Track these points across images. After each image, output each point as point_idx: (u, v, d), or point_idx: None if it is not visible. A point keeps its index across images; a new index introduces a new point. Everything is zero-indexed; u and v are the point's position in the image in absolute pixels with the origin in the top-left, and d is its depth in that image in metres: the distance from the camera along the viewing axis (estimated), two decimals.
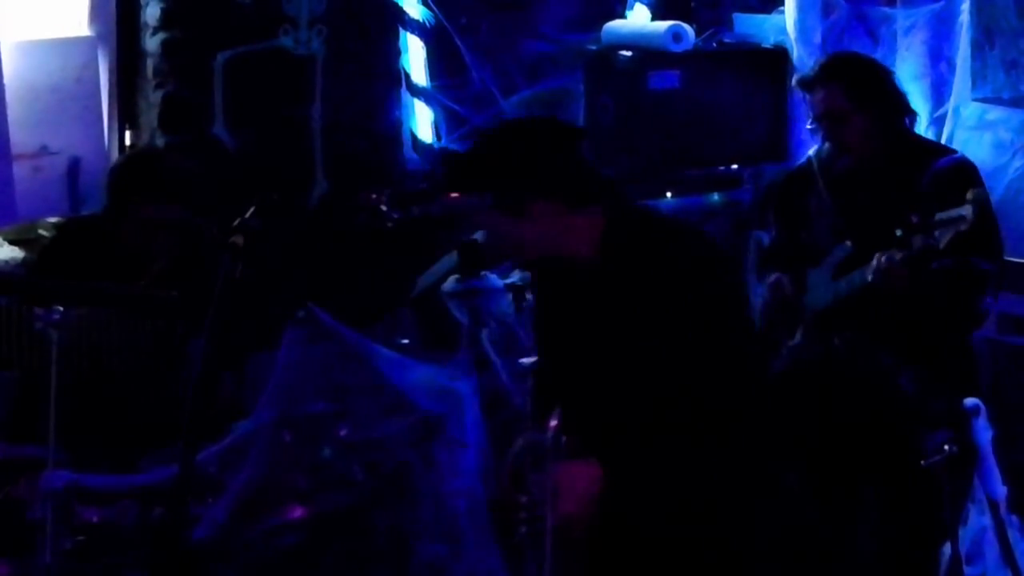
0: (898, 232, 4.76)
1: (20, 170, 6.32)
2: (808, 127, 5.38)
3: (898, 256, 4.83)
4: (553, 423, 3.49)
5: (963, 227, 4.71)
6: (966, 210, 4.70)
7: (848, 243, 5.18)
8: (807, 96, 5.30)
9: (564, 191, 3.60)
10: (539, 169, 3.59)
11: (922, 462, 4.26)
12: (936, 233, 4.70)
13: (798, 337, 5.34)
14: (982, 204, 4.82)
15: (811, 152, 5.53)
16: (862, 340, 5.19)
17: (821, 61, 5.34)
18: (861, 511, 5.47)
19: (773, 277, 5.38)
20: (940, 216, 4.72)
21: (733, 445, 3.66)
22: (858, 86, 5.19)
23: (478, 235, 3.67)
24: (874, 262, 4.95)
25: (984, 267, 5.02)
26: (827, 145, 5.31)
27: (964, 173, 5.13)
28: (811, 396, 5.29)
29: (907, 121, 5.29)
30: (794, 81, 5.41)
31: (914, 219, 4.72)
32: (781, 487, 5.49)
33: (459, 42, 7.19)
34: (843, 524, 5.42)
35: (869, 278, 4.97)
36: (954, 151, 5.50)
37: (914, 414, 5.13)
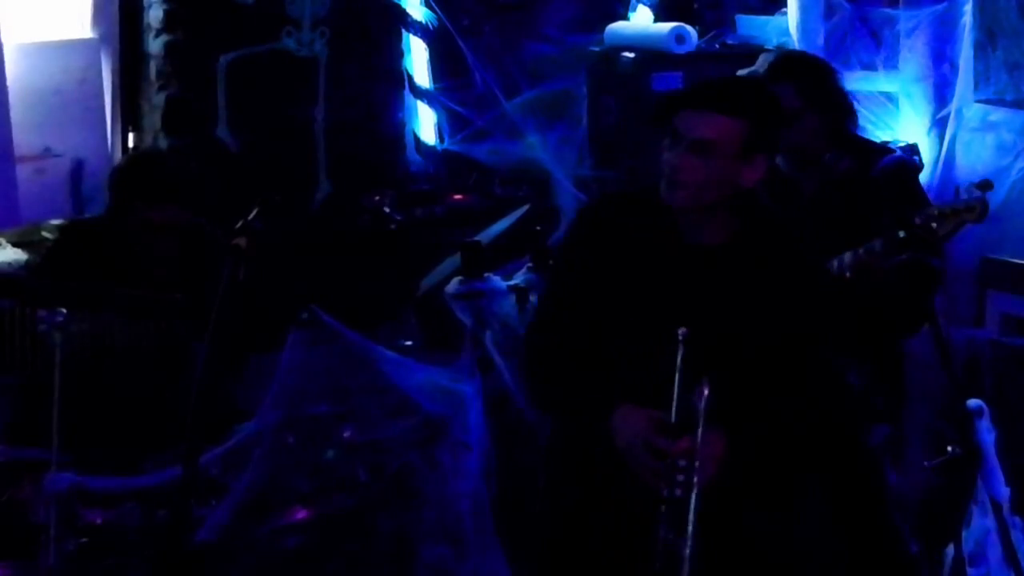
0: (901, 233, 4.75)
1: (24, 172, 6.32)
2: None
3: (879, 249, 4.82)
4: (706, 391, 3.52)
5: (970, 218, 4.71)
6: (976, 200, 4.70)
7: None
8: None
9: (773, 157, 3.79)
10: (779, 130, 3.75)
11: (925, 463, 4.26)
12: (935, 224, 4.69)
13: None
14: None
15: None
16: None
17: (769, 59, 5.28)
18: (809, 506, 5.46)
19: None
20: (946, 208, 4.71)
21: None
22: (808, 86, 5.17)
23: (668, 160, 3.66)
24: (848, 257, 4.93)
25: (935, 264, 5.01)
26: None
27: (904, 172, 5.13)
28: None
29: (851, 122, 5.28)
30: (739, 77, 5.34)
31: (917, 220, 4.71)
32: None
33: (462, 44, 7.19)
34: (791, 520, 5.41)
35: (847, 273, 4.96)
36: (894, 150, 5.48)
37: (860, 410, 5.15)
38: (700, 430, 3.52)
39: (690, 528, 3.51)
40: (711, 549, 3.58)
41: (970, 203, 4.69)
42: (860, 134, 5.49)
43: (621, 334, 3.70)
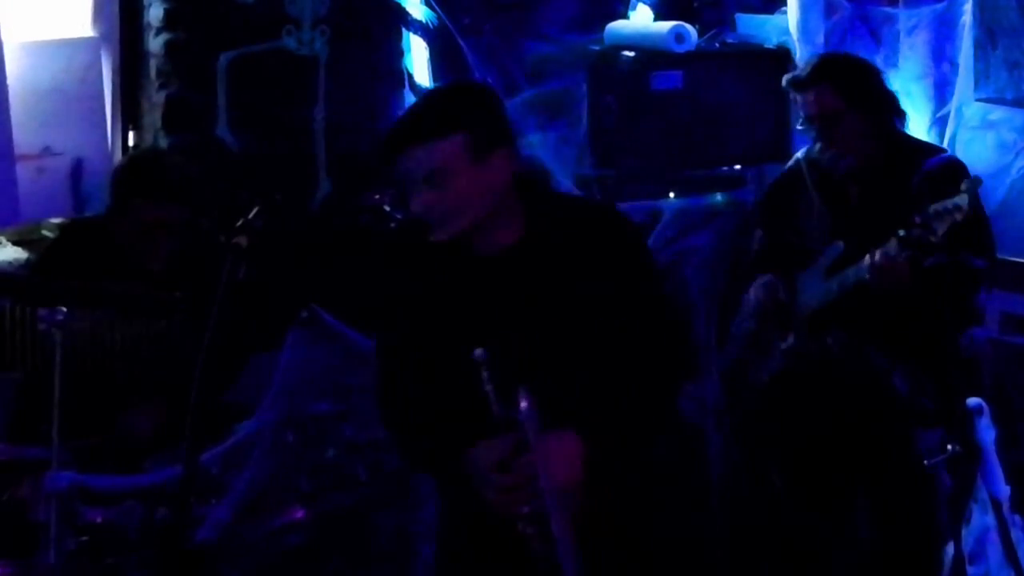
0: (901, 232, 4.76)
1: (23, 171, 6.32)
2: (799, 127, 5.36)
3: (893, 252, 4.83)
4: (524, 403, 3.45)
5: (959, 217, 4.71)
6: (961, 200, 4.70)
7: (839, 243, 5.18)
8: (798, 97, 5.29)
9: (512, 142, 3.61)
10: (501, 114, 3.61)
11: (925, 462, 4.26)
12: (932, 226, 4.69)
13: (791, 339, 5.34)
14: (975, 197, 4.84)
15: (799, 154, 5.51)
16: (854, 340, 5.19)
17: (812, 61, 5.32)
18: (854, 513, 5.47)
19: (765, 278, 5.36)
20: (935, 208, 4.72)
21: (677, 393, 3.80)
22: (850, 86, 5.19)
23: (416, 206, 3.51)
24: (867, 259, 4.94)
25: (977, 264, 5.02)
26: (816, 146, 5.29)
27: (954, 171, 5.13)
28: (806, 398, 5.29)
29: (897, 121, 5.29)
30: (784, 81, 5.37)
31: (917, 219, 4.72)
32: (769, 489, 5.50)
33: (462, 43, 7.18)
34: (836, 526, 5.41)
35: (865, 276, 4.97)
36: (944, 150, 5.51)
37: (907, 414, 5.15)
38: (531, 441, 3.45)
39: (556, 535, 3.46)
40: (601, 551, 3.56)
41: (957, 203, 4.70)
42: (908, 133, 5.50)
43: (448, 370, 3.62)
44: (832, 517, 5.41)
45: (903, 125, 5.38)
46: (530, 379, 3.47)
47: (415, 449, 3.78)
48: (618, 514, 3.68)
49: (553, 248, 3.59)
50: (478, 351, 3.45)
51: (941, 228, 4.69)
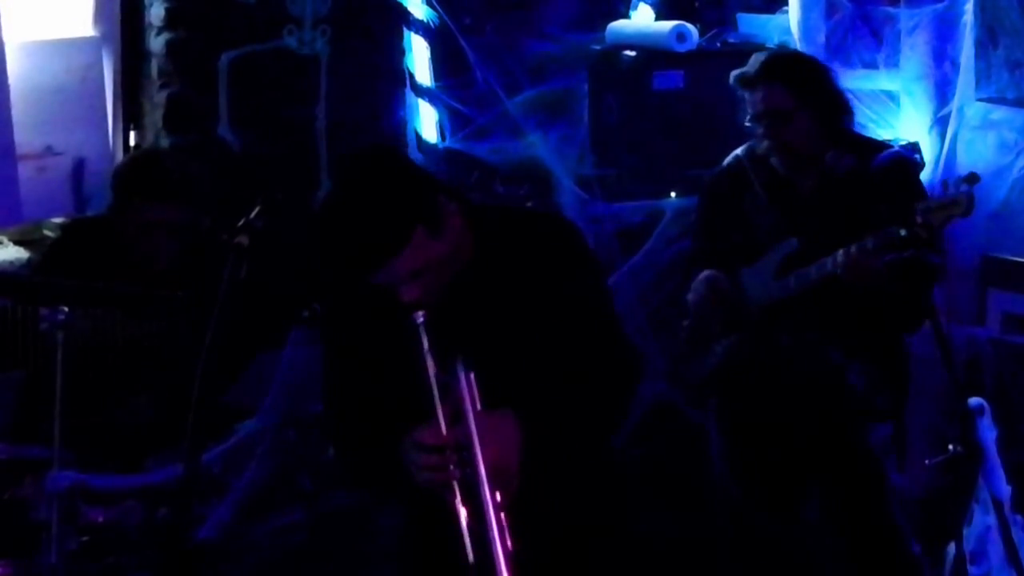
0: (902, 232, 4.75)
1: (25, 171, 6.32)
2: (746, 124, 5.32)
3: (871, 248, 4.82)
4: (460, 370, 3.46)
5: (957, 212, 4.70)
6: (961, 195, 4.70)
7: (792, 240, 5.17)
8: (745, 94, 5.26)
9: (449, 192, 3.59)
10: (425, 175, 3.58)
11: (926, 461, 4.27)
12: (920, 220, 4.68)
13: (734, 336, 5.31)
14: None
15: (739, 152, 5.47)
16: (810, 336, 5.18)
17: (761, 59, 5.28)
18: (807, 507, 5.47)
19: (706, 273, 5.32)
20: (932, 203, 4.71)
21: (626, 398, 3.80)
22: (801, 85, 5.16)
23: (407, 297, 3.54)
24: (840, 256, 4.93)
25: (934, 260, 5.01)
26: (763, 144, 5.26)
27: (903, 166, 5.12)
28: (754, 394, 5.27)
29: (846, 119, 5.28)
30: (732, 78, 5.32)
31: (918, 218, 4.71)
32: (724, 492, 5.50)
33: (463, 42, 7.18)
34: (789, 522, 5.41)
35: (834, 271, 4.96)
36: (891, 146, 5.48)
37: (862, 410, 5.15)
38: (467, 411, 3.46)
39: (489, 513, 3.43)
40: (534, 536, 3.52)
41: (956, 197, 4.70)
42: (858, 131, 5.49)
43: (399, 391, 3.65)
44: (783, 513, 5.39)
45: (852, 123, 5.36)
46: (482, 381, 3.50)
47: (359, 457, 3.79)
48: (558, 510, 3.67)
49: (501, 261, 3.63)
50: (418, 314, 3.46)
51: (937, 223, 4.69)
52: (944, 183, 4.78)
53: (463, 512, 3.49)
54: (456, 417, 3.49)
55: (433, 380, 3.49)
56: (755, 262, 5.25)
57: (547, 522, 3.60)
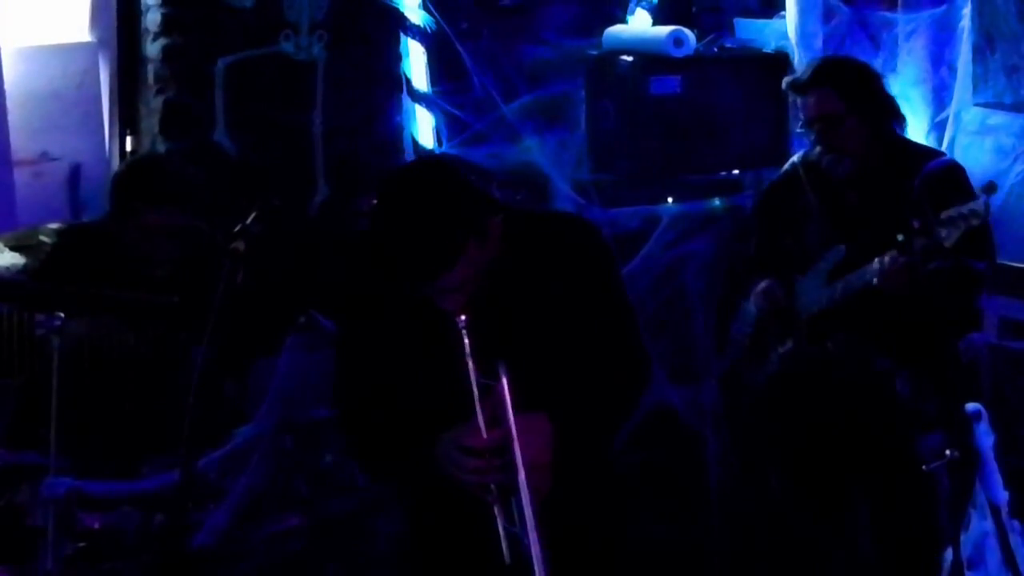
0: (899, 237, 4.75)
1: (21, 176, 6.31)
2: (798, 130, 5.36)
3: (902, 258, 4.83)
4: (503, 374, 3.47)
5: (975, 222, 4.71)
6: (979, 206, 4.70)
7: (842, 247, 5.18)
8: (798, 100, 5.29)
9: (490, 200, 3.64)
10: (476, 190, 3.60)
11: (924, 467, 4.26)
12: (944, 232, 4.69)
13: (789, 343, 5.33)
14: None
15: (795, 158, 5.51)
16: (857, 344, 5.19)
17: (813, 65, 5.32)
18: (854, 516, 5.47)
19: (763, 284, 5.36)
20: (949, 213, 4.71)
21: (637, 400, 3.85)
22: (851, 90, 5.19)
23: (449, 305, 3.54)
24: (876, 264, 4.94)
25: (978, 267, 5.02)
26: (815, 150, 5.29)
27: (954, 175, 5.14)
28: (804, 401, 5.28)
29: (897, 125, 5.29)
30: (784, 84, 5.37)
31: (915, 224, 4.71)
32: (769, 493, 5.50)
33: (460, 47, 7.18)
34: (835, 529, 5.41)
35: (873, 280, 4.97)
36: (943, 154, 5.50)
37: (909, 418, 5.14)
38: (508, 413, 3.48)
39: (528, 513, 3.45)
40: (559, 539, 3.55)
41: (974, 208, 4.70)
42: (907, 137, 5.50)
43: (421, 379, 3.67)
44: (830, 521, 5.41)
45: (902, 129, 5.38)
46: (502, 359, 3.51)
47: (382, 453, 3.78)
48: (574, 509, 3.68)
49: (525, 262, 3.65)
50: (460, 318, 3.47)
51: (955, 233, 4.69)
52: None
53: (500, 514, 3.51)
54: (494, 419, 3.51)
55: (474, 383, 3.50)
56: (807, 270, 5.28)
57: (556, 522, 3.61)
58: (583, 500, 3.74)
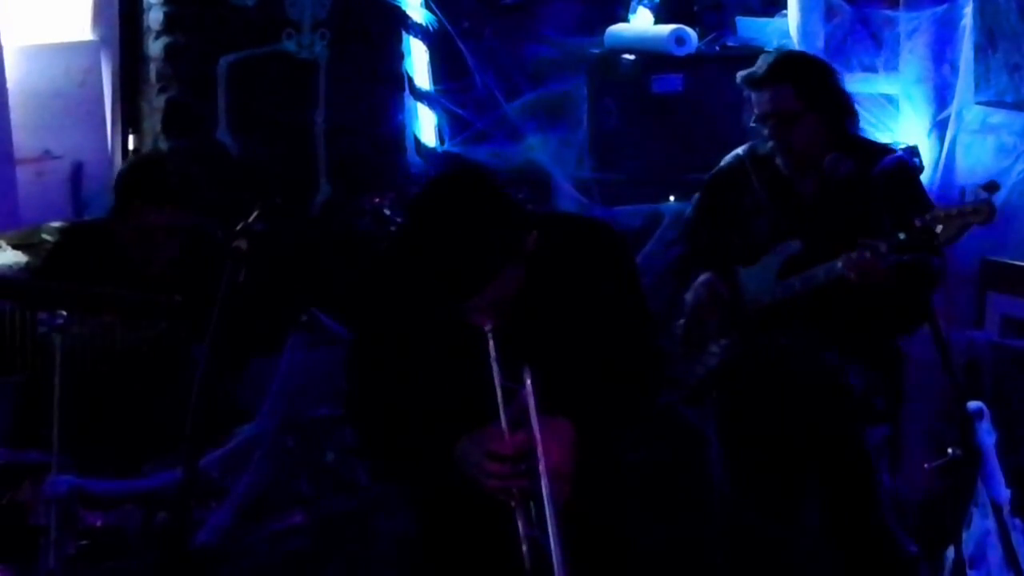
0: (901, 235, 4.75)
1: (23, 174, 6.32)
2: (752, 125, 5.32)
3: (884, 249, 4.82)
4: (528, 378, 3.48)
5: (978, 220, 4.71)
6: (982, 203, 4.70)
7: (796, 242, 5.17)
8: (752, 94, 5.26)
9: (525, 213, 3.62)
10: (515, 205, 3.57)
11: (925, 465, 4.26)
12: (939, 228, 4.69)
13: (734, 335, 5.30)
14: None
15: (739, 150, 5.47)
16: (808, 338, 5.18)
17: (769, 60, 5.27)
18: (803, 506, 5.46)
19: (704, 276, 5.32)
20: (953, 210, 4.72)
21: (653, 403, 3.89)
22: (808, 87, 5.17)
23: (483, 322, 3.54)
24: (854, 257, 4.92)
25: (935, 263, 5.02)
26: (768, 144, 5.25)
27: (906, 172, 5.13)
28: (752, 393, 5.26)
29: (851, 122, 5.28)
30: (739, 78, 5.32)
31: (917, 222, 4.71)
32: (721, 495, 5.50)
33: (462, 46, 7.19)
34: (786, 521, 5.40)
35: (844, 273, 4.95)
36: (895, 150, 5.48)
37: (859, 411, 5.15)
38: (532, 418, 3.48)
39: (549, 519, 3.45)
40: (578, 542, 3.54)
41: (976, 205, 4.70)
42: (861, 134, 5.49)
43: (438, 375, 3.67)
44: (778, 514, 5.38)
45: (856, 126, 5.36)
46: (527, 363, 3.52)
47: (397, 453, 3.77)
48: (589, 511, 3.69)
49: (549, 266, 3.63)
50: (488, 324, 3.47)
51: (951, 229, 4.68)
52: (962, 191, 4.77)
53: (521, 519, 3.52)
54: (517, 423, 3.51)
55: (499, 387, 3.51)
56: (754, 262, 5.25)
57: (572, 525, 3.61)
58: (598, 502, 3.75)
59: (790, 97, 5.16)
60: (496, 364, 3.49)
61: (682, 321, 5.42)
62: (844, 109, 5.25)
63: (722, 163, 5.52)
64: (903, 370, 5.33)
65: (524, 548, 3.50)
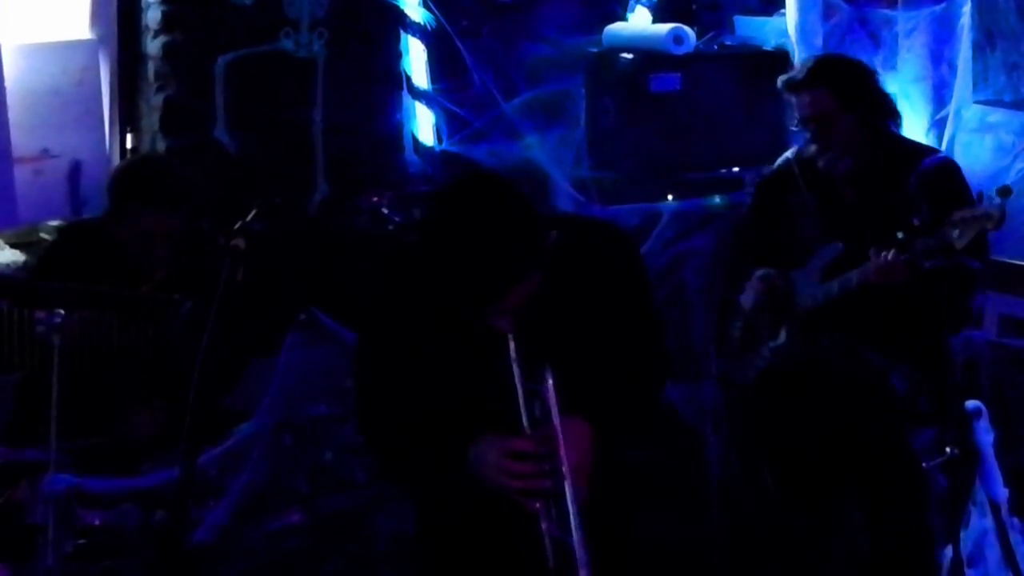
0: (899, 235, 4.76)
1: (21, 173, 6.32)
2: (793, 128, 5.36)
3: (902, 255, 4.83)
4: (549, 378, 3.49)
5: (989, 226, 4.71)
6: (993, 208, 4.70)
7: (838, 244, 5.19)
8: (792, 98, 5.29)
9: (543, 216, 3.61)
10: (535, 211, 3.56)
11: (924, 464, 4.26)
12: (956, 232, 4.68)
13: (782, 337, 5.32)
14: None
15: (788, 154, 5.51)
16: (852, 340, 5.19)
17: (808, 63, 5.32)
18: (847, 512, 5.47)
19: (762, 271, 5.35)
20: (963, 214, 4.71)
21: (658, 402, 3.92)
22: (846, 89, 5.19)
23: (504, 325, 3.55)
24: (875, 259, 4.94)
25: (974, 265, 5.02)
26: (811, 147, 5.29)
27: (949, 172, 5.14)
28: (797, 397, 5.28)
29: (893, 123, 5.29)
30: (780, 82, 5.37)
31: (915, 222, 4.71)
32: (760, 489, 5.50)
33: (460, 45, 7.19)
34: (828, 525, 5.41)
35: (871, 277, 4.97)
36: (938, 151, 5.50)
37: (904, 413, 5.15)
38: (554, 417, 3.49)
39: (572, 519, 3.46)
40: (597, 539, 3.55)
41: (989, 211, 4.70)
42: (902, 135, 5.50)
43: (449, 376, 3.65)
44: (824, 517, 5.40)
45: (898, 127, 5.38)
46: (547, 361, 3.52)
47: (407, 454, 3.75)
48: (601, 510, 3.69)
49: (562, 268, 3.62)
50: (499, 321, 3.47)
51: (968, 234, 4.68)
52: (979, 195, 4.77)
53: (544, 519, 3.52)
54: (535, 423, 3.52)
55: (520, 388, 3.51)
56: (802, 265, 5.28)
57: (590, 524, 3.61)
58: (608, 501, 3.74)
59: (828, 100, 5.19)
60: (517, 365, 3.49)
61: (740, 323, 5.45)
62: (884, 110, 5.27)
63: (773, 165, 5.57)
64: (951, 373, 5.30)
65: (547, 548, 3.51)
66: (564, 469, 3.48)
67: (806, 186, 5.35)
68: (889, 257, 4.89)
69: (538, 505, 3.52)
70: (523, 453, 3.51)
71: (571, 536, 3.47)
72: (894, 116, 5.31)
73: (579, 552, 3.46)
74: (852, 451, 5.27)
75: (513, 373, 3.50)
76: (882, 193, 5.12)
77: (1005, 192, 4.71)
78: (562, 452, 3.48)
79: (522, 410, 3.52)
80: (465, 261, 3.38)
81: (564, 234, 3.64)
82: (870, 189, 5.20)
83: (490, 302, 3.43)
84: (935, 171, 4.98)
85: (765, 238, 5.46)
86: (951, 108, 6.62)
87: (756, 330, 5.40)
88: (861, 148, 5.19)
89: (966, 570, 4.46)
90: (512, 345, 3.49)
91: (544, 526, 3.52)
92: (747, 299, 5.41)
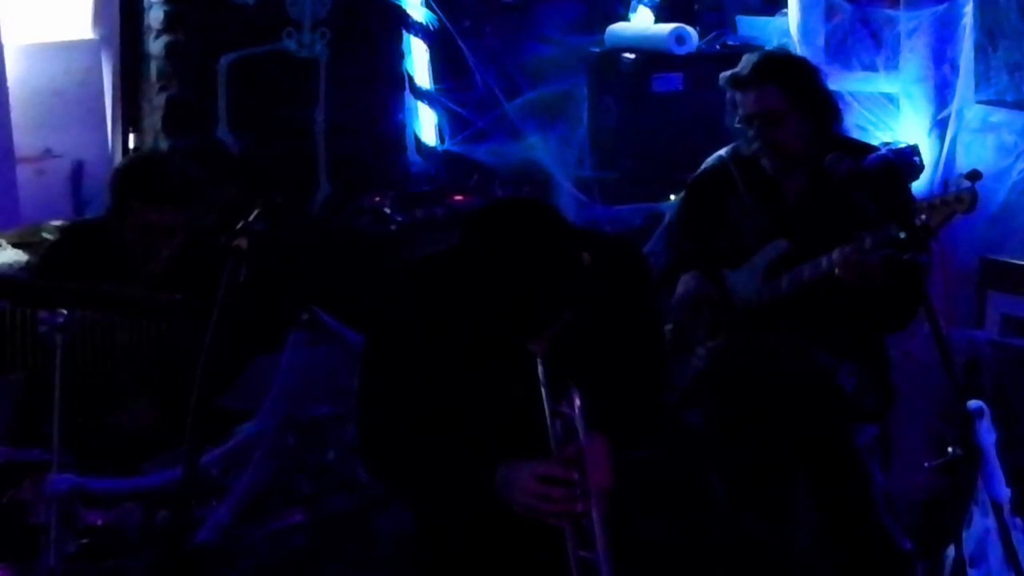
0: (901, 234, 4.74)
1: (24, 173, 6.33)
2: (736, 125, 5.29)
3: (867, 247, 4.81)
4: (577, 399, 3.50)
5: (961, 209, 4.70)
6: (965, 191, 4.69)
7: (782, 242, 5.16)
8: (737, 95, 5.23)
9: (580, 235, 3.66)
10: (574, 232, 3.59)
11: (926, 464, 4.26)
12: (924, 217, 4.66)
13: (721, 337, 5.29)
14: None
15: (723, 153, 5.44)
16: (800, 338, 5.18)
17: (754, 60, 5.25)
18: (795, 508, 5.46)
19: (690, 276, 5.31)
20: (936, 200, 4.70)
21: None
22: (793, 87, 5.16)
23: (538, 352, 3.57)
24: (836, 255, 4.91)
25: (923, 260, 5.00)
26: (753, 145, 5.23)
27: (890, 169, 5.12)
28: (742, 395, 5.25)
29: (835, 122, 5.27)
30: (722, 80, 5.29)
31: (917, 221, 4.70)
32: (708, 494, 5.50)
33: (462, 45, 7.20)
34: (778, 524, 5.40)
35: (828, 271, 4.94)
36: (878, 148, 5.48)
37: (850, 410, 5.15)
38: (583, 439, 3.49)
39: (598, 539, 3.47)
40: (620, 556, 3.55)
41: (959, 194, 4.68)
42: (846, 133, 5.48)
43: (462, 391, 3.65)
44: (771, 515, 5.38)
45: (841, 125, 5.35)
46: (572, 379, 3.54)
47: (410, 465, 3.73)
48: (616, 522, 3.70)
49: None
50: (536, 347, 3.47)
51: (938, 219, 4.67)
52: (945, 182, 4.76)
53: (571, 539, 3.52)
54: (559, 443, 3.53)
55: (548, 410, 3.51)
56: (740, 264, 5.24)
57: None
58: (620, 512, 3.75)
59: (776, 97, 5.14)
60: (545, 388, 3.49)
61: (670, 325, 5.40)
62: (828, 109, 5.24)
63: (704, 166, 5.48)
64: (889, 370, 5.32)
65: (575, 569, 3.50)
66: (593, 490, 3.49)
67: (745, 186, 5.31)
68: (850, 250, 4.85)
69: (566, 526, 3.52)
70: (556, 477, 3.50)
71: (596, 553, 3.47)
72: (837, 115, 5.28)
73: (604, 568, 3.47)
74: (799, 449, 5.25)
75: (541, 395, 3.50)
76: (824, 191, 5.09)
77: (974, 176, 4.70)
78: (589, 473, 3.50)
79: (552, 433, 3.52)
80: (522, 291, 3.38)
81: (591, 256, 3.65)
82: (814, 187, 5.16)
83: (541, 330, 3.44)
84: (877, 167, 4.96)
85: (699, 240, 5.41)
86: (953, 108, 6.61)
87: (688, 333, 5.36)
88: (806, 147, 5.16)
89: (968, 570, 4.46)
90: (541, 369, 3.48)
91: (571, 547, 3.52)
92: (676, 302, 5.35)
